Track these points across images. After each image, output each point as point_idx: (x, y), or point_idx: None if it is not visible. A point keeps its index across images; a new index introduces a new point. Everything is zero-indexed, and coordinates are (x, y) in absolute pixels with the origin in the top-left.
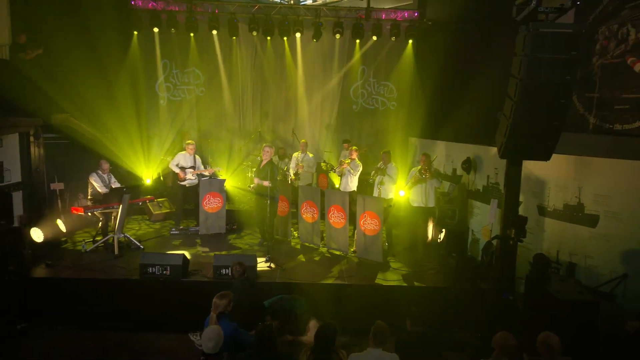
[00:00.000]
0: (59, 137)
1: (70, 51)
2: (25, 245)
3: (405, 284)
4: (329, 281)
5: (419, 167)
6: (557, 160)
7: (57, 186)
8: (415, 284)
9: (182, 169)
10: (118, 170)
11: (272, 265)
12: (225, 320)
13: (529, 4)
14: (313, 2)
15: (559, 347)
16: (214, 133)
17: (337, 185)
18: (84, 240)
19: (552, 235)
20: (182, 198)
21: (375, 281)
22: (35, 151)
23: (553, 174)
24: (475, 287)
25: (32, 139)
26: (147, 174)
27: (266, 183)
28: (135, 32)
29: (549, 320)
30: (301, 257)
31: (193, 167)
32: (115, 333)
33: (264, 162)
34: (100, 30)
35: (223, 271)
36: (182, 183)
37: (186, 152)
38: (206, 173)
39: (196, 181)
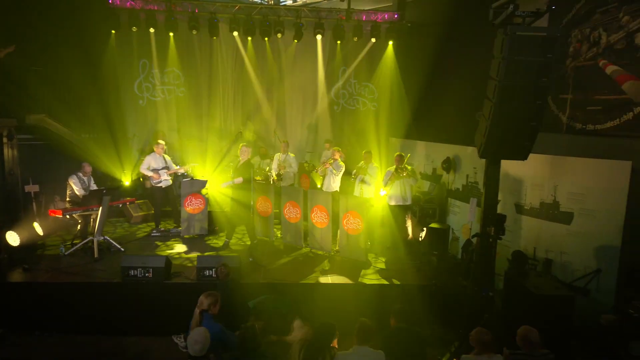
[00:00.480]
0: (33, 138)
1: (46, 51)
2: (0, 250)
3: (387, 282)
4: (313, 281)
5: (394, 166)
6: (534, 160)
7: (32, 188)
8: (397, 282)
9: (155, 170)
10: (95, 172)
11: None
12: (210, 321)
13: (507, 8)
14: (293, 2)
15: (538, 341)
16: (194, 133)
17: (319, 186)
18: (62, 243)
19: (529, 233)
20: (160, 199)
21: (359, 280)
22: (8, 153)
23: (530, 173)
24: (456, 285)
25: (5, 140)
26: (125, 176)
27: (237, 180)
28: (113, 32)
29: (526, 315)
30: (284, 257)
31: (166, 168)
32: (97, 337)
33: (242, 161)
34: (77, 29)
35: (206, 272)
36: (158, 185)
37: (155, 153)
38: (182, 171)
39: (170, 182)
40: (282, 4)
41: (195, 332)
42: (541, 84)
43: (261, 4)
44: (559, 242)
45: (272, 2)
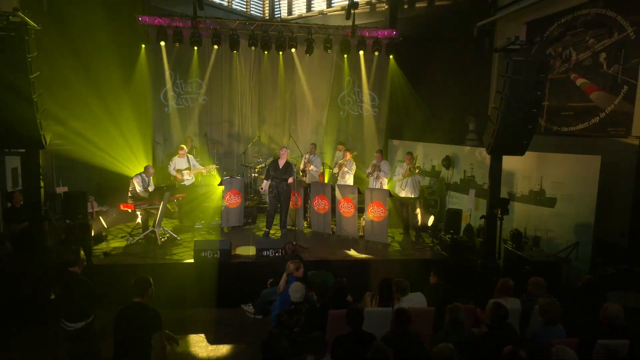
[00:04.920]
0: (64, 143)
1: (84, 64)
2: (91, 237)
3: (411, 258)
4: (350, 258)
5: (406, 165)
6: (523, 156)
7: (61, 190)
8: (422, 256)
9: (179, 171)
10: (121, 175)
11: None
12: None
13: (492, 28)
14: (288, 15)
15: (545, 285)
16: (215, 138)
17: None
18: (127, 234)
19: (520, 216)
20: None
21: (388, 257)
22: (44, 157)
23: (520, 167)
24: (467, 258)
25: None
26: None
27: (291, 180)
28: (143, 46)
29: (525, 278)
30: (317, 242)
31: (188, 168)
32: (174, 310)
33: (283, 161)
34: (111, 44)
35: (264, 253)
36: (183, 184)
37: (179, 156)
38: (204, 171)
39: (193, 180)
40: (277, 16)
41: (294, 284)
42: (536, 96)
43: (276, 21)
44: (545, 222)
45: (267, 16)
